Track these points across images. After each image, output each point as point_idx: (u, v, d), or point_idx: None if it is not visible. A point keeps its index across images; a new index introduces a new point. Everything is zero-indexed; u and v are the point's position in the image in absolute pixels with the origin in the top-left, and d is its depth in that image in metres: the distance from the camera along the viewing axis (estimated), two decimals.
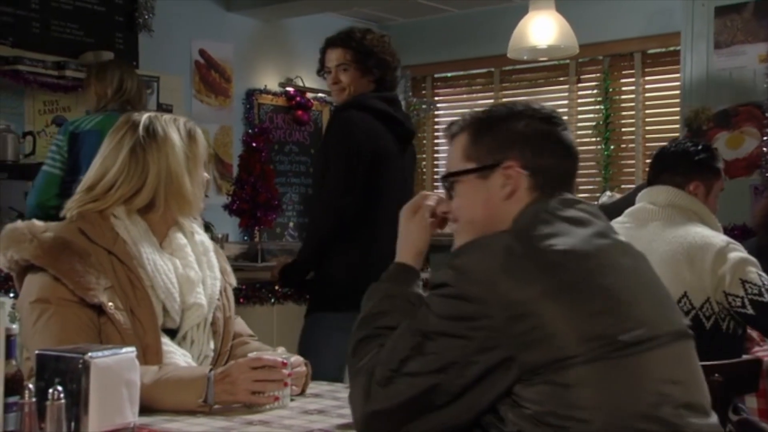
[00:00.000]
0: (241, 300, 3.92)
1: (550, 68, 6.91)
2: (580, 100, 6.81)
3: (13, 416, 1.41)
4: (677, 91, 5.91)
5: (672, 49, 6.13)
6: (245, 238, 5.90)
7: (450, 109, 7.46)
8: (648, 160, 6.19)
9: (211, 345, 2.11)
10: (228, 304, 2.19)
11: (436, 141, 7.52)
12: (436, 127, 7.51)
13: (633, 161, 6.55)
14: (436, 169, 7.44)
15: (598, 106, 6.69)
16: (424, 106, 7.38)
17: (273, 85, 6.84)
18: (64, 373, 1.47)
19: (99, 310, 1.91)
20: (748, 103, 5.45)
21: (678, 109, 5.88)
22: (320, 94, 6.91)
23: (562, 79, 6.87)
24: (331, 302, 3.29)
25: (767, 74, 5.38)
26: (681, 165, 2.85)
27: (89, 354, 1.48)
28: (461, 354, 1.46)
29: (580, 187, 6.71)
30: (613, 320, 1.47)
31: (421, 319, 1.52)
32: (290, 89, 6.90)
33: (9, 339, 1.43)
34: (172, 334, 2.03)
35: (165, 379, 1.84)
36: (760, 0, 5.43)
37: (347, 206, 3.26)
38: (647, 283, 1.60)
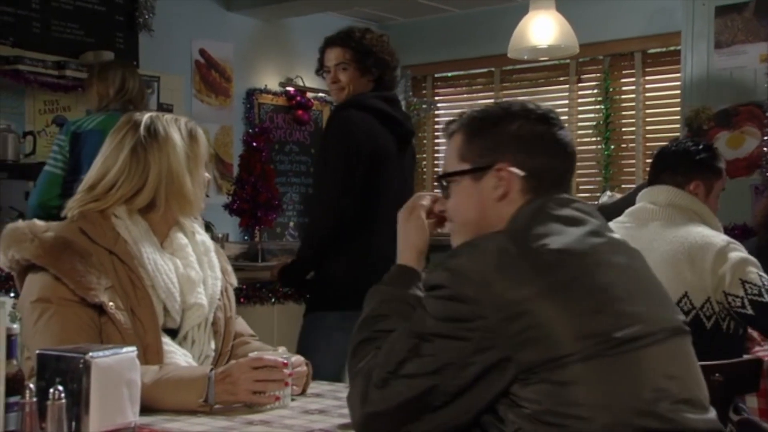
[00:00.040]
0: (242, 300, 3.92)
1: (551, 68, 6.91)
2: (580, 100, 6.81)
3: (14, 416, 1.41)
4: (678, 91, 5.91)
5: (672, 48, 6.13)
6: (245, 237, 5.90)
7: (450, 108, 7.46)
8: (648, 160, 6.20)
9: (212, 345, 2.11)
10: (229, 304, 2.19)
11: (436, 141, 7.53)
12: (436, 126, 7.52)
13: (633, 161, 6.55)
14: (436, 169, 7.45)
15: (598, 106, 6.69)
16: (424, 106, 7.39)
17: (273, 84, 6.84)
18: (65, 372, 1.47)
19: (100, 309, 1.91)
20: (749, 103, 5.45)
21: (678, 108, 5.87)
22: (320, 94, 6.91)
23: (562, 78, 6.87)
24: (331, 302, 3.29)
25: None
26: (682, 164, 2.85)
27: (90, 354, 1.48)
28: (458, 355, 1.47)
29: (580, 187, 6.71)
30: (607, 318, 1.48)
31: (417, 321, 1.53)
32: (290, 89, 6.90)
33: (10, 339, 1.43)
34: (172, 334, 2.03)
35: (166, 378, 1.84)
36: None
37: (346, 206, 3.26)
38: (642, 281, 1.61)
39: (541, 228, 1.54)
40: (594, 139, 6.69)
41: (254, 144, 5.08)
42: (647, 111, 6.50)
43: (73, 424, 1.45)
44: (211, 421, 1.75)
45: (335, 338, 3.26)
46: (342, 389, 2.07)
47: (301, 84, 6.90)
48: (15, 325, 1.45)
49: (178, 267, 2.05)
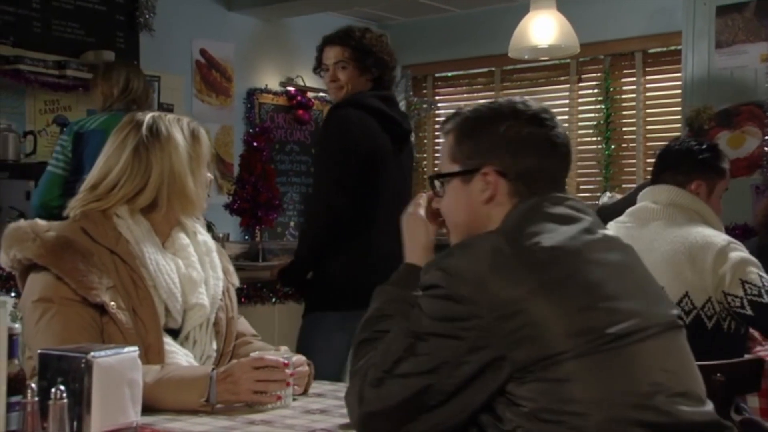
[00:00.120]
0: (243, 299, 3.92)
1: (551, 68, 6.91)
2: (580, 100, 6.81)
3: (16, 416, 1.41)
4: (678, 91, 5.91)
5: (673, 48, 6.13)
6: (246, 237, 5.89)
7: (451, 108, 7.43)
8: (649, 160, 6.22)
9: (214, 345, 2.10)
10: (231, 304, 2.19)
11: (436, 141, 7.53)
12: (436, 126, 7.51)
13: (634, 161, 6.55)
14: (436, 169, 7.43)
15: (598, 106, 6.69)
16: (424, 106, 7.39)
17: (274, 84, 6.84)
18: (67, 372, 1.47)
19: (101, 309, 1.90)
20: (750, 103, 5.45)
21: (679, 108, 5.87)
22: (321, 94, 6.91)
23: (562, 78, 6.87)
24: (331, 302, 3.29)
25: None
26: (684, 164, 2.84)
27: (92, 353, 1.48)
28: (453, 354, 1.47)
29: (581, 187, 6.72)
30: (600, 314, 1.49)
31: (413, 321, 1.54)
32: (291, 89, 6.90)
33: (11, 338, 1.43)
34: (174, 334, 2.03)
35: (167, 378, 1.84)
36: None
37: (342, 205, 3.25)
38: (636, 276, 1.62)
39: (535, 226, 1.55)
40: (594, 138, 6.69)
41: (255, 144, 5.08)
42: (648, 111, 6.50)
43: (75, 423, 1.45)
44: (212, 421, 1.75)
45: (335, 339, 3.25)
46: (343, 389, 2.05)
47: (301, 84, 6.90)
48: (16, 325, 1.45)
49: (179, 267, 2.05)
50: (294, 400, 1.91)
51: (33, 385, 1.39)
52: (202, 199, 2.11)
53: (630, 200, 3.26)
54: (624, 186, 6.39)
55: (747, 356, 2.68)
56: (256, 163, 4.95)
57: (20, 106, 5.33)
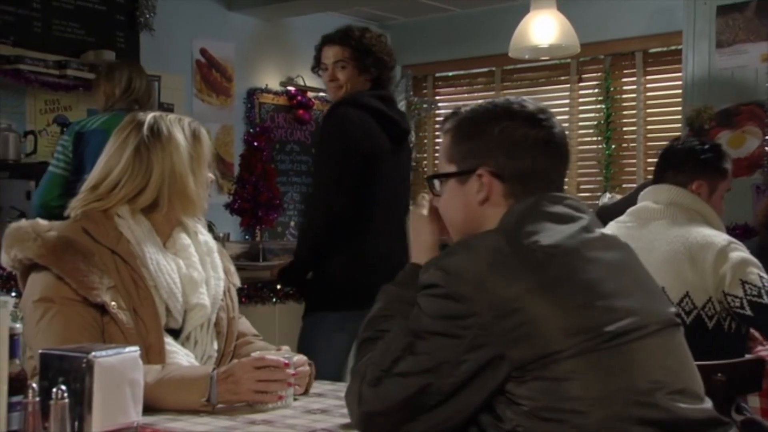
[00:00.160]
0: (243, 299, 3.92)
1: (552, 67, 6.91)
2: (581, 99, 6.81)
3: (17, 415, 1.41)
4: (679, 91, 5.91)
5: (673, 48, 6.13)
6: (246, 237, 5.89)
7: (451, 108, 7.41)
8: (649, 160, 6.22)
9: (215, 346, 2.11)
10: (232, 304, 2.19)
11: (436, 140, 7.52)
12: (436, 126, 7.51)
13: (634, 161, 6.54)
14: (435, 169, 7.44)
15: (599, 105, 6.68)
16: (425, 105, 7.38)
17: (274, 84, 6.84)
18: (68, 372, 1.47)
19: (102, 309, 1.90)
20: (750, 103, 5.45)
21: (679, 108, 5.87)
22: (321, 94, 6.91)
23: (563, 78, 6.87)
24: (330, 302, 3.29)
25: None
26: (686, 163, 2.84)
27: (93, 353, 1.48)
28: (452, 353, 1.48)
29: (581, 187, 6.71)
30: (598, 312, 1.49)
31: (412, 320, 1.55)
32: (291, 88, 6.90)
33: (12, 338, 1.43)
34: (175, 334, 2.03)
35: (168, 378, 1.84)
36: None
37: (340, 204, 3.25)
38: (634, 275, 1.63)
39: (533, 225, 1.56)
40: (595, 138, 6.69)
41: (255, 143, 5.08)
42: (648, 110, 6.49)
43: (76, 423, 1.45)
44: (213, 421, 1.75)
45: (335, 339, 3.26)
46: (344, 389, 2.06)
47: (302, 83, 6.90)
48: (18, 325, 1.45)
49: (180, 267, 2.05)
50: (295, 400, 1.91)
51: (34, 385, 1.39)
52: (203, 200, 2.11)
53: (630, 200, 3.26)
54: (624, 186, 6.39)
55: (748, 356, 2.68)
56: (256, 163, 4.95)
57: (20, 105, 5.33)
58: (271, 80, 6.83)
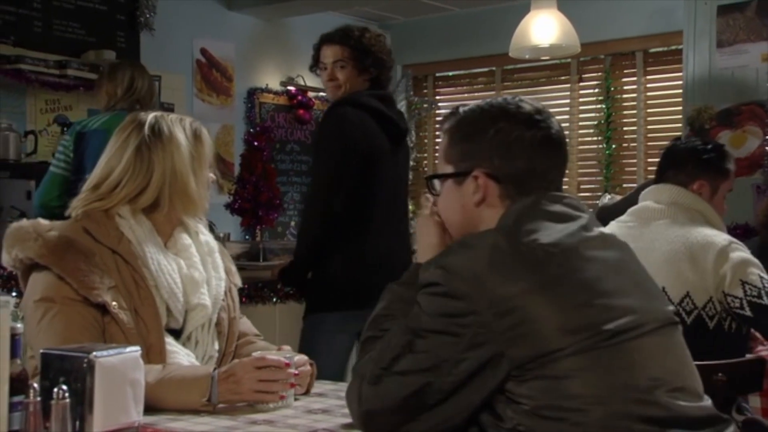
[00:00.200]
0: (243, 299, 3.91)
1: (552, 67, 6.91)
2: (581, 99, 6.80)
3: (18, 415, 1.41)
4: (679, 90, 5.90)
5: (674, 47, 6.13)
6: (247, 237, 5.89)
7: (451, 108, 7.45)
8: (650, 160, 6.22)
9: (216, 346, 2.11)
10: (233, 304, 2.19)
11: (437, 140, 7.52)
12: (437, 126, 7.50)
13: (634, 160, 6.54)
14: (436, 169, 7.43)
15: (599, 105, 6.68)
16: (425, 105, 7.38)
17: (274, 84, 6.84)
18: (69, 372, 1.47)
19: (103, 309, 1.91)
20: (751, 102, 5.45)
21: (680, 108, 5.87)
22: (321, 93, 6.90)
23: (563, 78, 6.86)
24: (331, 303, 3.29)
25: None
26: (688, 163, 2.83)
27: (94, 353, 1.48)
28: (451, 351, 1.48)
29: (581, 187, 6.71)
30: (597, 311, 1.50)
31: (412, 318, 1.55)
32: (291, 88, 6.90)
33: (13, 338, 1.43)
34: (176, 334, 2.03)
35: (169, 378, 1.84)
36: None
37: (338, 204, 3.25)
38: (632, 273, 1.63)
39: (533, 224, 1.56)
40: (595, 138, 6.69)
41: (255, 143, 5.08)
42: (648, 110, 6.49)
43: (77, 423, 1.45)
44: (214, 421, 1.75)
45: (336, 340, 3.25)
46: (345, 389, 2.06)
47: (302, 83, 6.90)
48: (18, 325, 1.45)
49: (181, 267, 2.05)
50: (296, 399, 1.91)
51: (35, 384, 1.39)
52: (204, 199, 2.11)
53: (630, 200, 3.26)
54: (624, 186, 6.38)
55: (748, 356, 2.68)
56: (256, 163, 4.95)
57: (21, 105, 5.33)
58: (272, 80, 6.83)
